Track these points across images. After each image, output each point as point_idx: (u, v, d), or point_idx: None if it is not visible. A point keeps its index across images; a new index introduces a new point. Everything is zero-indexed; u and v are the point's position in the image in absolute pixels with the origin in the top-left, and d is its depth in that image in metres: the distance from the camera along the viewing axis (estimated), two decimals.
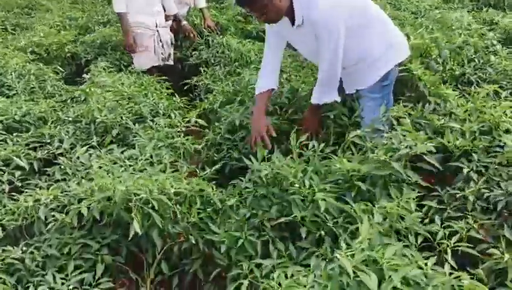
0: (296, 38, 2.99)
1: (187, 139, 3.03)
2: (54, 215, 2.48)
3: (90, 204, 2.31)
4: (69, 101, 4.14)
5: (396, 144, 2.28)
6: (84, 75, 4.32)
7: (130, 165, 2.77)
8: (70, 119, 3.57)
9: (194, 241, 2.46)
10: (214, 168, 2.85)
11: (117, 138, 3.30)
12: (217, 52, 4.84)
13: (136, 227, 2.16)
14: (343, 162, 2.33)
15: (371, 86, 2.93)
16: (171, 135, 3.07)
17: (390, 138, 2.35)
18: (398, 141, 2.30)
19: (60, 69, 4.93)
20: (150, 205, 2.23)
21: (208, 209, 2.56)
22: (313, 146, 2.63)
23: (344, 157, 2.43)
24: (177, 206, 2.41)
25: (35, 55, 5.35)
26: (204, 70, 4.59)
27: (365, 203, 2.15)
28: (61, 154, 3.15)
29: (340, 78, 2.91)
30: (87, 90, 3.68)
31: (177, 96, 3.91)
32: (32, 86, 4.35)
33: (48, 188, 2.81)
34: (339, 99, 2.93)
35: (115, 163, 2.87)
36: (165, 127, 3.19)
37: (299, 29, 2.80)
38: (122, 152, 2.98)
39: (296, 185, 2.31)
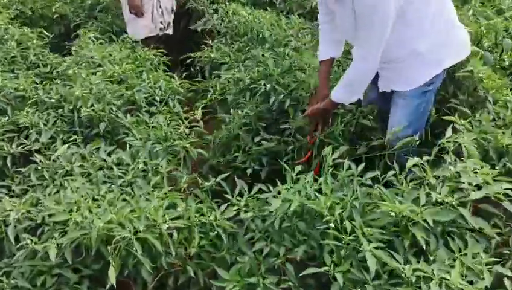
0: (335, 9, 2.41)
1: (189, 143, 2.52)
2: (25, 238, 2.03)
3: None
4: (53, 72, 3.61)
5: (465, 183, 1.80)
6: (71, 47, 3.75)
7: (119, 176, 2.29)
8: (52, 101, 3.05)
9: (192, 274, 2.03)
10: (218, 178, 2.38)
11: (105, 131, 2.80)
12: (222, 20, 4.24)
13: (111, 278, 1.71)
14: (390, 200, 1.85)
15: (412, 89, 2.39)
16: (170, 135, 2.57)
17: (457, 173, 1.86)
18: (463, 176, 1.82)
19: (46, 33, 4.35)
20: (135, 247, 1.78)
21: (211, 234, 2.10)
22: (349, 166, 2.14)
23: (391, 189, 1.96)
24: (172, 237, 1.96)
25: (19, 12, 4.77)
26: (206, 43, 4.01)
27: (417, 259, 1.70)
28: (38, 150, 2.66)
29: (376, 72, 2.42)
30: (71, 71, 3.13)
31: (176, 78, 3.37)
32: (13, 54, 3.80)
33: (22, 194, 2.41)
34: (362, 97, 2.50)
35: (100, 169, 2.40)
36: (164, 123, 2.67)
37: None
38: (109, 153, 2.50)
39: (331, 224, 1.85)
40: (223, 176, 2.42)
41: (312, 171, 2.29)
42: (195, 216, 2.00)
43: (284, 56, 3.36)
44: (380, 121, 2.70)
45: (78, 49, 3.61)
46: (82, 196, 2.06)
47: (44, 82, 3.35)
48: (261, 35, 3.84)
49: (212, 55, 3.76)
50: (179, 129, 2.63)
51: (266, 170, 2.67)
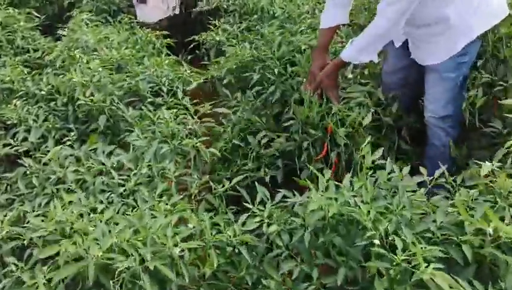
0: None
1: (198, 141, 2.17)
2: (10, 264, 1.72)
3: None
4: (45, 58, 3.25)
5: None
6: (60, 31, 3.37)
7: (120, 184, 1.96)
8: (43, 93, 2.70)
9: None
10: (234, 181, 2.05)
11: (105, 126, 2.46)
12: None
13: None
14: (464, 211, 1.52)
15: (444, 61, 2.19)
16: (179, 133, 2.22)
17: None
18: None
19: (36, 14, 3.97)
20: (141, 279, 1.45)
21: (228, 250, 1.78)
22: (389, 163, 1.80)
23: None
24: (183, 259, 1.63)
25: None
26: (213, 24, 3.63)
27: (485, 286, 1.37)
28: (27, 151, 2.33)
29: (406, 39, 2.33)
30: (66, 56, 2.77)
31: (185, 65, 3.00)
32: None
33: (8, 204, 2.11)
34: (376, 59, 2.29)
35: (99, 174, 2.07)
36: (171, 117, 2.32)
37: None
38: (109, 155, 2.16)
39: (376, 241, 1.52)
40: (239, 178, 2.09)
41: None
42: (211, 234, 1.67)
43: (296, 34, 3.01)
44: (408, 97, 2.49)
45: (71, 33, 3.23)
46: (73, 212, 1.73)
47: (34, 71, 3.00)
48: (272, 12, 3.46)
49: (218, 38, 3.39)
50: (188, 125, 2.28)
51: (281, 173, 2.33)
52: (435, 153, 2.36)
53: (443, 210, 1.59)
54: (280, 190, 1.93)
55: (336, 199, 1.69)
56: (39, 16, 3.97)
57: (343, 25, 2.71)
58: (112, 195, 1.92)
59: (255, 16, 3.56)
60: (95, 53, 2.98)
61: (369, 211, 1.57)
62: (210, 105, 2.43)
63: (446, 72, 2.22)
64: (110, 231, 1.56)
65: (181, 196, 2.04)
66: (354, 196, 1.69)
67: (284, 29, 3.08)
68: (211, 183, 2.08)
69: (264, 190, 1.90)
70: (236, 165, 2.39)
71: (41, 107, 2.61)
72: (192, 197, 2.04)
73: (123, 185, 1.95)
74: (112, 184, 1.96)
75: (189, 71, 2.89)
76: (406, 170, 1.78)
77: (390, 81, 2.48)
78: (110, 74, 2.69)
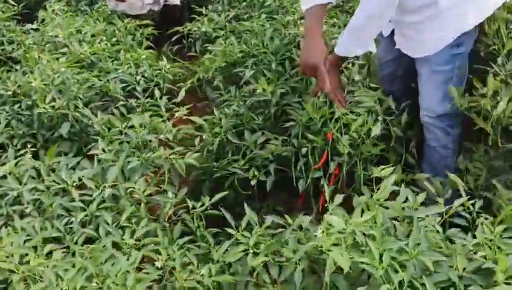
0: None
1: (175, 153, 1.92)
2: None
3: None
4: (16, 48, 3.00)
5: None
6: (28, 26, 3.10)
7: (81, 208, 1.71)
8: (9, 93, 2.44)
9: None
10: (215, 197, 1.81)
11: (70, 132, 2.21)
12: None
13: None
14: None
15: (438, 52, 1.95)
16: (150, 144, 1.97)
17: None
18: None
19: (12, 2, 3.68)
20: None
21: None
22: (404, 190, 1.54)
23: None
24: None
25: None
26: (199, 12, 3.34)
27: None
28: None
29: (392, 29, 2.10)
30: (27, 55, 2.50)
31: (165, 59, 2.72)
32: None
33: None
34: (374, 50, 2.05)
35: (60, 192, 1.82)
36: (143, 123, 2.05)
37: None
38: (71, 171, 1.91)
39: None
40: (221, 195, 1.85)
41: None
42: (182, 277, 1.43)
43: (287, 25, 2.72)
44: (401, 94, 2.21)
45: (41, 27, 2.95)
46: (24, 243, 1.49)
47: (4, 67, 2.74)
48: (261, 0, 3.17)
49: (203, 29, 3.11)
50: (161, 133, 2.02)
51: (272, 179, 2.08)
52: (435, 157, 2.12)
53: (465, 253, 1.33)
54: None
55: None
56: (16, 4, 3.69)
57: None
58: (72, 220, 1.68)
59: (244, 4, 3.27)
60: (65, 49, 2.71)
61: (381, 256, 1.31)
62: (188, 109, 2.15)
63: (439, 65, 1.98)
64: (60, 277, 1.32)
65: (153, 219, 1.81)
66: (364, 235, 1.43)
67: (275, 21, 2.79)
68: (188, 203, 1.83)
69: (252, 213, 1.65)
70: (227, 159, 2.14)
71: (5, 110, 2.35)
72: (166, 219, 1.79)
73: (84, 209, 1.70)
74: (72, 207, 1.72)
75: (168, 66, 2.62)
76: (422, 197, 1.53)
77: (380, 76, 2.24)
78: (79, 72, 2.43)
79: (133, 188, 1.78)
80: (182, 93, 2.27)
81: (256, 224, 1.62)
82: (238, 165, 2.10)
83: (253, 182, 2.05)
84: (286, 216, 1.63)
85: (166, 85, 2.60)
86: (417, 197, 1.55)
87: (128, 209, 1.70)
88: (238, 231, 1.62)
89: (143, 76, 2.53)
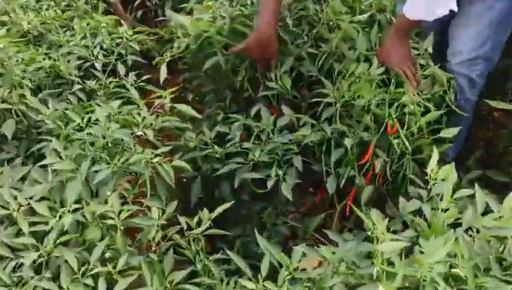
0: None
1: (158, 154, 1.42)
2: None
3: None
4: None
5: None
6: None
7: (33, 245, 1.22)
8: None
9: None
10: (217, 211, 1.36)
11: (17, 131, 1.68)
12: None
13: None
14: None
15: None
16: (123, 143, 1.47)
17: None
18: None
19: None
20: None
21: None
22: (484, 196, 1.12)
23: None
24: None
25: None
26: None
27: None
28: None
29: None
30: None
31: (125, 24, 2.17)
32: None
33: None
34: (456, 8, 1.60)
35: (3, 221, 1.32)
36: (110, 117, 1.54)
37: None
38: (19, 186, 1.41)
39: None
40: (225, 207, 1.39)
41: None
42: None
43: None
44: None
45: None
46: None
47: None
48: None
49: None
50: (140, 123, 1.51)
51: (295, 177, 1.59)
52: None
53: None
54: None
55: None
56: None
57: None
58: (22, 266, 1.19)
59: None
60: (5, 17, 2.14)
61: None
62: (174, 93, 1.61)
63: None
64: None
65: (136, 246, 1.33)
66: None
67: None
68: (181, 221, 1.36)
69: (273, 249, 1.18)
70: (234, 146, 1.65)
71: None
72: (153, 248, 1.32)
73: (37, 249, 1.21)
74: (20, 245, 1.22)
75: (131, 33, 2.07)
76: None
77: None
78: (25, 49, 1.88)
79: (105, 210, 1.29)
80: (164, 71, 1.75)
81: (281, 266, 1.15)
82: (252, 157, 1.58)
83: (269, 184, 1.56)
84: (322, 248, 1.16)
85: (132, 58, 2.06)
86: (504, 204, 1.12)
87: (99, 245, 1.21)
88: (258, 280, 1.16)
89: (101, 48, 1.98)
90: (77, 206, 1.28)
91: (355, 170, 1.56)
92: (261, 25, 1.71)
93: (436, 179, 1.20)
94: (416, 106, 1.49)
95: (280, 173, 1.52)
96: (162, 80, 1.78)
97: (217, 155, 1.62)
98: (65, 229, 1.24)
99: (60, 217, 1.25)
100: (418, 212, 1.37)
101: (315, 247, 1.21)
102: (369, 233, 1.09)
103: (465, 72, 1.79)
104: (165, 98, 1.57)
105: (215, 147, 1.63)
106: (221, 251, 1.39)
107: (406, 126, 1.51)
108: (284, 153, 1.58)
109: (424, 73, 1.64)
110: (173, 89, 1.60)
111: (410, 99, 1.49)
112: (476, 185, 1.16)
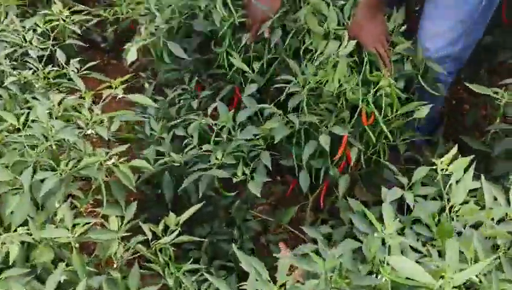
0: None
1: (112, 155, 1.24)
2: None
3: None
4: None
5: None
6: None
7: None
8: None
9: None
10: (186, 214, 1.22)
11: None
12: None
13: None
14: None
15: None
16: (70, 144, 1.27)
17: None
18: None
19: None
20: None
21: None
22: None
23: None
24: None
25: None
26: None
27: None
28: None
29: None
30: None
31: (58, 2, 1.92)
32: None
33: None
34: None
35: None
36: (54, 116, 1.33)
37: None
38: None
39: None
40: (196, 208, 1.24)
41: None
42: None
43: None
44: None
45: None
46: None
47: None
48: None
49: None
50: (89, 120, 1.31)
51: (263, 174, 1.45)
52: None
53: None
54: None
55: None
56: None
57: None
58: None
59: None
60: None
61: None
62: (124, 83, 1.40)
63: None
64: None
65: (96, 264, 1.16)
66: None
67: None
68: (145, 230, 1.19)
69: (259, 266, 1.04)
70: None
71: None
72: (115, 264, 1.15)
73: None
74: None
75: (67, 13, 1.82)
76: None
77: None
78: None
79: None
80: (134, 53, 1.54)
81: (269, 281, 1.00)
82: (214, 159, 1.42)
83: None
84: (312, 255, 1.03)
85: (71, 42, 1.82)
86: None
87: (55, 272, 1.03)
88: None
89: (34, 31, 1.74)
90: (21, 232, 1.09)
91: (328, 161, 1.44)
92: None
93: (446, 170, 1.07)
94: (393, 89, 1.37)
95: (247, 171, 1.38)
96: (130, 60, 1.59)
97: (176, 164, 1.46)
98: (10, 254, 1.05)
99: (3, 243, 1.05)
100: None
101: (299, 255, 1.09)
102: (376, 234, 0.98)
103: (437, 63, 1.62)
104: (116, 88, 1.37)
105: (173, 155, 1.46)
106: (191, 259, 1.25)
107: (382, 111, 1.40)
108: (250, 150, 1.44)
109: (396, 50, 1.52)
110: (125, 78, 1.40)
111: (387, 82, 1.36)
112: (482, 176, 1.06)
